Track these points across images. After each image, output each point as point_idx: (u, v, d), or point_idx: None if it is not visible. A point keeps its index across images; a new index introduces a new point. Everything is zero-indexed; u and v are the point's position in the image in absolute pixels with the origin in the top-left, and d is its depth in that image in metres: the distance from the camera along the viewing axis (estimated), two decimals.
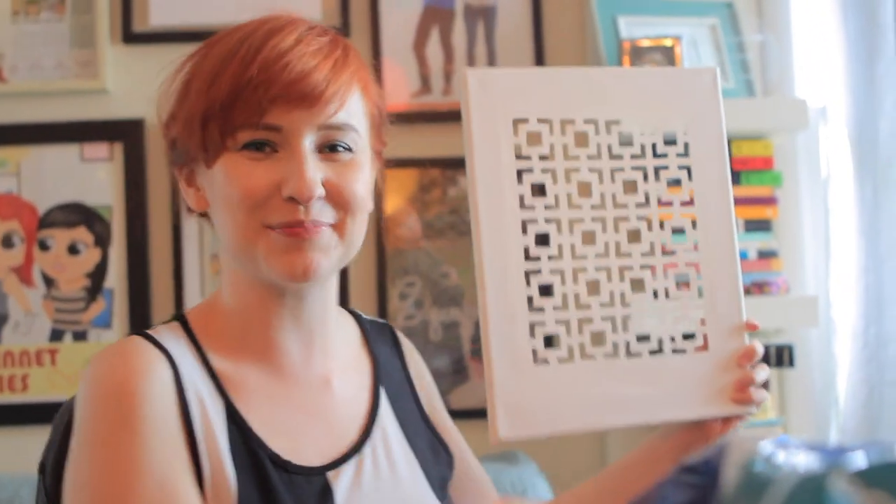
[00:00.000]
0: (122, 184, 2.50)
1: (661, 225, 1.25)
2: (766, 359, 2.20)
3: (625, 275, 1.23)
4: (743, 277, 2.23)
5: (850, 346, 2.19)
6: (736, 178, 2.28)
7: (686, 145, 1.26)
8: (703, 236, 1.25)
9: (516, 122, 1.19)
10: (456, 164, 2.49)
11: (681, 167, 1.26)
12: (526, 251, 1.17)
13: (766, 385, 1.27)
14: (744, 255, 2.26)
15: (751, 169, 2.28)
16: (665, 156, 1.25)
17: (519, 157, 1.18)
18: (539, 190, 1.20)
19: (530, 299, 1.17)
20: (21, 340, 2.49)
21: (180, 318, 1.20)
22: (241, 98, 1.10)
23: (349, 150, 1.16)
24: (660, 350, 1.23)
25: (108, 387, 1.07)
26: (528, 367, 1.15)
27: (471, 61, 2.57)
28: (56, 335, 2.49)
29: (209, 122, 1.12)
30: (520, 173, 1.18)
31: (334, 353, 1.24)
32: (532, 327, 1.17)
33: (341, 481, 1.15)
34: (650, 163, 1.25)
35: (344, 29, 2.52)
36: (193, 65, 1.18)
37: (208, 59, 1.16)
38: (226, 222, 1.14)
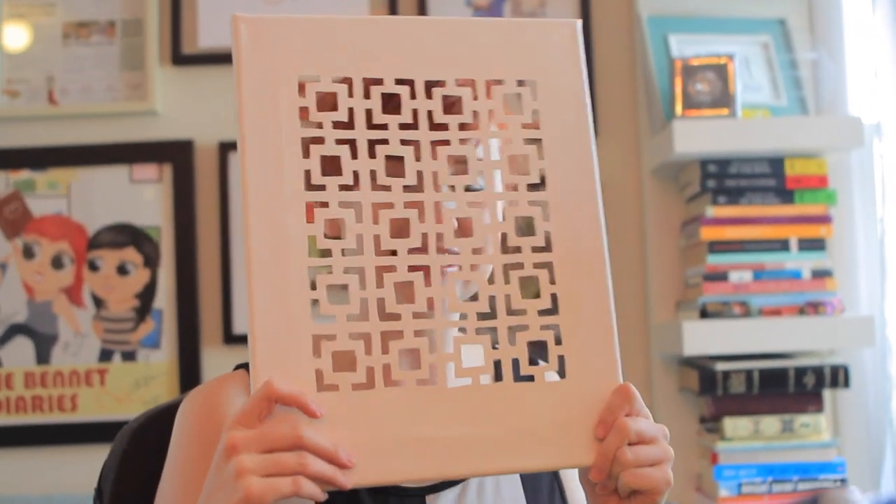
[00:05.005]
0: (170, 205, 2.51)
1: (502, 215, 1.01)
2: (820, 379, 2.18)
3: (448, 275, 0.98)
4: (797, 297, 2.24)
5: None
6: (790, 196, 2.25)
7: (535, 113, 1.01)
8: (558, 229, 1.00)
9: (304, 83, 0.95)
10: None
11: (528, 141, 1.01)
12: (313, 243, 0.93)
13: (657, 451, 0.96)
14: (798, 275, 2.23)
15: (805, 187, 2.25)
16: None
17: (307, 124, 0.95)
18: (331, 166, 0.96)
19: (316, 305, 0.93)
20: (71, 361, 2.49)
21: None
22: None
23: None
24: (497, 377, 0.98)
25: (192, 414, 1.10)
26: (308, 396, 0.91)
27: None
28: (105, 355, 2.49)
29: None
30: (307, 147, 0.95)
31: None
32: (317, 343, 0.92)
33: None
34: (484, 134, 1.00)
35: None
36: None
37: None
38: None
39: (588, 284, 0.99)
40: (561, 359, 0.98)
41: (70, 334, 2.50)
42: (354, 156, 0.96)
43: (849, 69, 2.38)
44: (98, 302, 2.50)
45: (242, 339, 2.45)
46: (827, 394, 2.28)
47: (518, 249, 0.99)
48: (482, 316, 0.98)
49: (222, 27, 2.52)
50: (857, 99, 2.36)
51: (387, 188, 0.97)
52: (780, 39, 2.43)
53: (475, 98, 1.00)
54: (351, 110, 0.96)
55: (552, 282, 0.99)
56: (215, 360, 2.48)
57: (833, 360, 2.25)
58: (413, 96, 0.98)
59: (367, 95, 0.97)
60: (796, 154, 2.26)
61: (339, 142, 0.95)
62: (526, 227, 1.01)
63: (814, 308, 2.21)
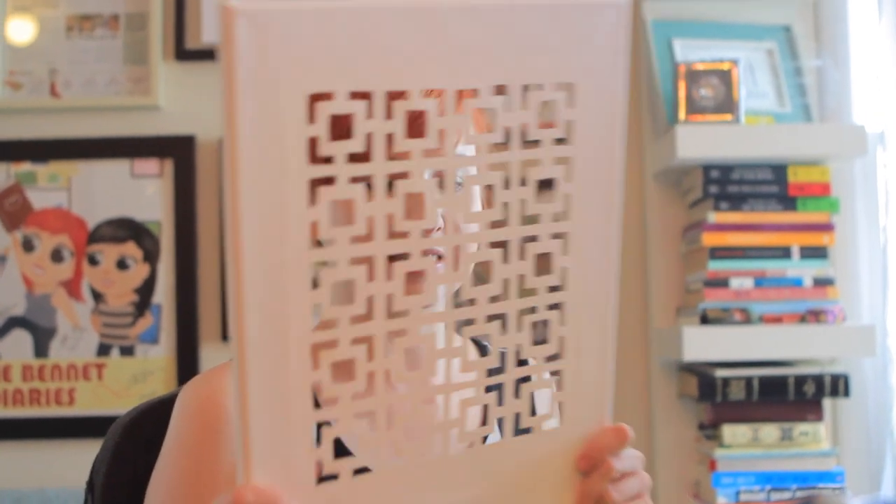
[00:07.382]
0: (171, 200, 2.50)
1: (522, 252, 0.84)
2: (820, 388, 2.17)
3: (464, 333, 0.84)
4: (798, 305, 2.23)
5: None
6: (792, 203, 2.24)
7: (569, 125, 0.84)
8: (576, 265, 0.86)
9: (314, 100, 0.72)
10: None
11: (557, 161, 0.84)
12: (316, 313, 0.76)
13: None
14: (799, 283, 2.22)
15: (808, 195, 2.24)
16: (537, 142, 0.82)
17: (316, 160, 0.73)
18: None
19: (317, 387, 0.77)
20: (69, 354, 2.49)
21: None
22: None
23: None
24: (499, 432, 0.91)
25: (193, 401, 1.09)
26: (306, 491, 0.75)
27: None
28: (103, 350, 2.49)
29: None
30: (313, 187, 0.73)
31: None
32: (318, 430, 0.76)
33: None
34: (516, 156, 0.81)
35: None
36: None
37: None
38: None
39: (595, 327, 0.89)
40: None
41: (68, 328, 2.49)
42: (369, 197, 0.76)
43: (853, 77, 2.37)
44: (97, 296, 2.50)
45: None
46: (827, 403, 2.27)
47: (533, 292, 0.86)
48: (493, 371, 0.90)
49: None
50: (861, 107, 2.35)
51: (403, 235, 0.79)
52: (784, 46, 2.42)
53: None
54: (369, 136, 0.75)
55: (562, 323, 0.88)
56: (214, 355, 2.47)
57: (833, 368, 2.24)
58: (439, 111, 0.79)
59: (388, 114, 0.75)
60: (799, 161, 2.25)
61: (354, 180, 0.74)
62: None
63: (815, 316, 2.20)
